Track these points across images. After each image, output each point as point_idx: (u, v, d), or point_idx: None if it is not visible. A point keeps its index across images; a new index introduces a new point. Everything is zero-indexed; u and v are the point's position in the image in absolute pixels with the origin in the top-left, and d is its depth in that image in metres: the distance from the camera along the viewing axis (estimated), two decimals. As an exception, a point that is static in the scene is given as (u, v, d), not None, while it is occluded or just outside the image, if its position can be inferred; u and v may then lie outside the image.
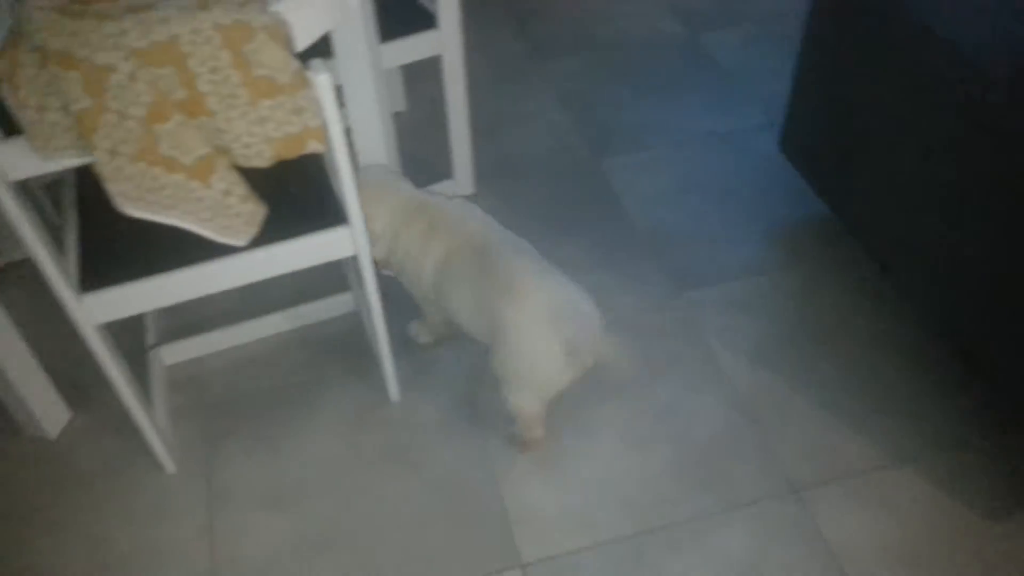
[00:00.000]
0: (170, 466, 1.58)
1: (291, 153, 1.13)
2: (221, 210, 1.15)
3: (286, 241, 1.32)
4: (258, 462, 1.59)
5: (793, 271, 1.85)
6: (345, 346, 1.78)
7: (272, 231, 1.29)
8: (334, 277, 1.88)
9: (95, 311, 1.29)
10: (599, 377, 1.65)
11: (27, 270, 1.96)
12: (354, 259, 1.41)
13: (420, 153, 2.02)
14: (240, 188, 1.15)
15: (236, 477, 1.57)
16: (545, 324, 1.32)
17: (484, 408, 1.64)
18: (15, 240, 1.96)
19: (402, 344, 1.71)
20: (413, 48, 1.74)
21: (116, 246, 1.34)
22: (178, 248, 1.30)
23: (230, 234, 1.18)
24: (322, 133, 1.14)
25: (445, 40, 1.75)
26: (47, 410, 1.64)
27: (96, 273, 1.30)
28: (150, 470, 1.58)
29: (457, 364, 1.72)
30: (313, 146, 1.13)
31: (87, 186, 1.43)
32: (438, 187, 2.02)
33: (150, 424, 1.50)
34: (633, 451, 1.56)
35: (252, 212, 1.19)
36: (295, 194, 1.37)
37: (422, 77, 2.18)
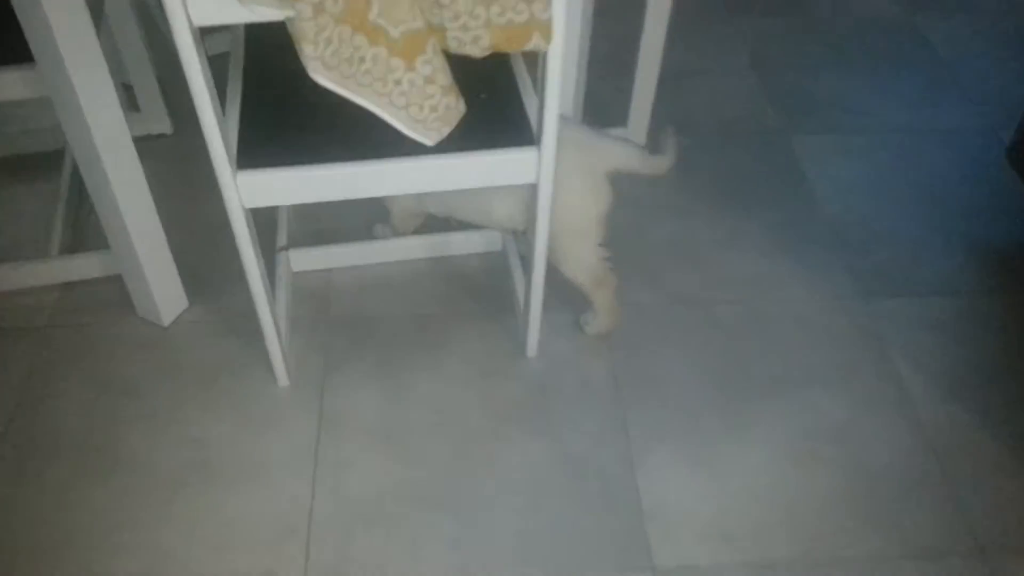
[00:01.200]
0: (283, 378, 1.46)
1: (511, 46, 0.95)
2: (418, 99, 0.99)
3: (462, 153, 1.16)
4: (375, 392, 1.45)
5: (1001, 297, 1.61)
6: (485, 287, 1.62)
7: (449, 139, 1.12)
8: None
9: (248, 192, 1.15)
10: (757, 370, 1.46)
11: (165, 144, 1.87)
12: (532, 188, 1.23)
13: (593, 94, 1.83)
14: (444, 77, 0.99)
15: (350, 403, 1.43)
16: (565, 158, 1.25)
17: (628, 384, 1.46)
18: (161, 112, 1.88)
19: (548, 298, 1.55)
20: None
21: (279, 128, 1.20)
22: (343, 141, 1.16)
23: (421, 129, 1.02)
24: (549, 28, 0.96)
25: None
26: (166, 294, 1.53)
27: (255, 152, 1.16)
28: (261, 378, 1.46)
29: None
30: (536, 42, 0.96)
31: (255, 59, 1.30)
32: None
33: (272, 328, 1.37)
34: (795, 466, 1.36)
35: (449, 108, 1.02)
36: (481, 102, 1.20)
37: (604, 12, 1.98)
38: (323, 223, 1.71)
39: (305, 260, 1.63)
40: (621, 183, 1.36)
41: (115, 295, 1.58)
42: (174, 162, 1.81)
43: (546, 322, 1.50)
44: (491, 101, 1.24)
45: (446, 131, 1.04)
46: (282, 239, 1.63)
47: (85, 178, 1.36)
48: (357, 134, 1.16)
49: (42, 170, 1.81)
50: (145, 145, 1.72)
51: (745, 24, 2.25)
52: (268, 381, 1.46)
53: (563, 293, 1.52)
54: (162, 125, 1.89)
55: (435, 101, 0.99)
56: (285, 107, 1.22)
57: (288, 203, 1.17)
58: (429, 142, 1.04)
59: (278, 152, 1.16)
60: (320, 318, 1.56)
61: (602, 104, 1.86)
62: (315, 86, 0.96)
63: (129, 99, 1.83)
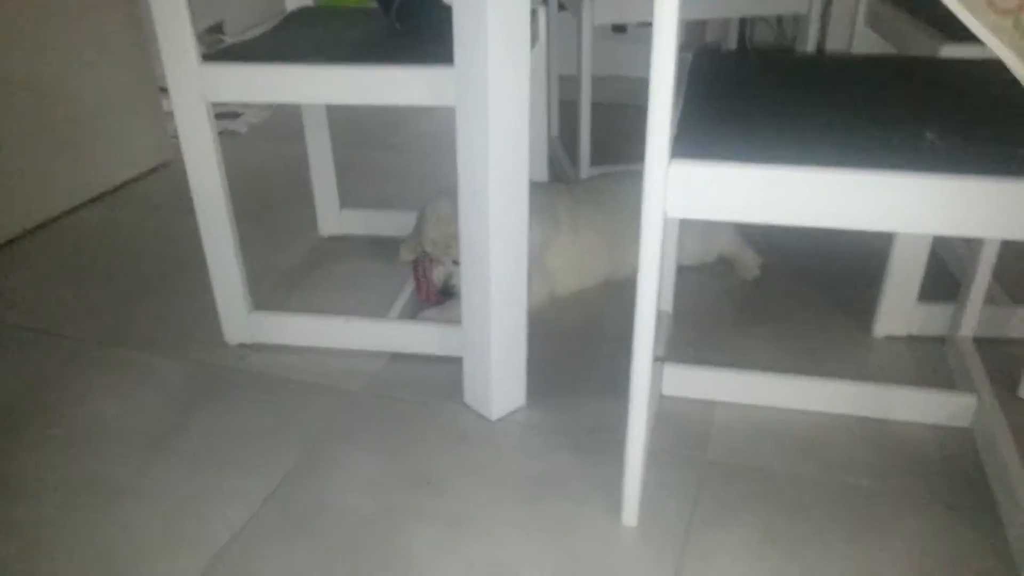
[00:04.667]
0: (631, 517, 1.02)
1: None
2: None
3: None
4: (764, 571, 0.95)
5: None
6: (941, 469, 1.09)
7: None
8: (931, 364, 1.24)
9: (680, 194, 0.80)
10: None
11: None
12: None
13: None
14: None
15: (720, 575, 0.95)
16: None
17: None
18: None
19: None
20: None
21: (734, 125, 0.87)
22: (836, 149, 0.79)
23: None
24: None
25: None
26: (505, 385, 1.20)
27: (700, 143, 0.83)
28: (599, 509, 1.04)
29: None
30: None
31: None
32: None
33: (640, 451, 0.97)
34: None
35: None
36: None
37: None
38: (711, 339, 1.32)
39: (683, 382, 1.23)
40: None
41: (444, 377, 1.28)
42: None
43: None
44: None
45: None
46: (658, 348, 1.25)
47: (462, 216, 1.10)
48: (853, 146, 0.79)
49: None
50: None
51: None
52: (609, 515, 1.03)
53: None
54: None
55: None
56: (742, 110, 0.90)
57: (736, 218, 0.80)
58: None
59: (730, 146, 0.81)
60: (692, 457, 1.12)
61: None
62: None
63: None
